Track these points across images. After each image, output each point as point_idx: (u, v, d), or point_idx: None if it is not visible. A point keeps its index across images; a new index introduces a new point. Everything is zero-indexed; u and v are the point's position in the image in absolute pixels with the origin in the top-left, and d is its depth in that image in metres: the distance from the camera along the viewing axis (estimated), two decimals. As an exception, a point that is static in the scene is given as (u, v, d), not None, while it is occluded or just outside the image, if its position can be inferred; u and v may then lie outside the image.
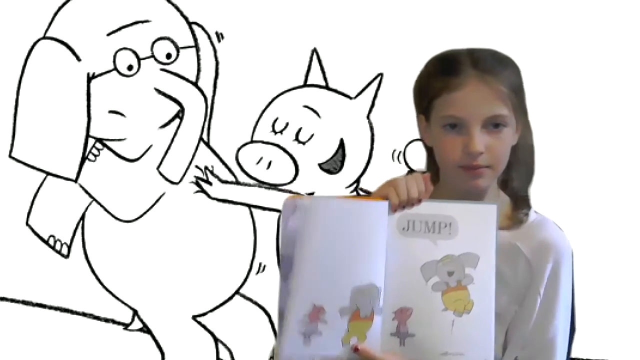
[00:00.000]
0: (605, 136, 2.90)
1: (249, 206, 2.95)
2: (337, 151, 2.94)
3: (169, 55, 2.89)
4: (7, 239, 2.91)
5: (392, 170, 2.91)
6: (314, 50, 2.92)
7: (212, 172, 2.93)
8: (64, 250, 2.93)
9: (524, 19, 2.86)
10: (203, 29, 2.92)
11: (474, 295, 1.59)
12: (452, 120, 1.63)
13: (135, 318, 2.95)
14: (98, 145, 2.91)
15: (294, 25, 2.90)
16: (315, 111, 2.94)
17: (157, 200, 2.92)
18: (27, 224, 2.91)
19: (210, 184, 2.93)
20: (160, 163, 2.90)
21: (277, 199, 2.93)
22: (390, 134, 2.92)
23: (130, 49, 2.87)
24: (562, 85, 2.86)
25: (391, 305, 1.60)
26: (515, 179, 1.72)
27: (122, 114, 2.89)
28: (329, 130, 2.94)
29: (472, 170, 1.64)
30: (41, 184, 2.91)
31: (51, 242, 2.92)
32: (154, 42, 2.89)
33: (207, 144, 2.93)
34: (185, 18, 2.91)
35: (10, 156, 2.89)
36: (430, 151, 1.74)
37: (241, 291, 2.96)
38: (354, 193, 2.95)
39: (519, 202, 1.72)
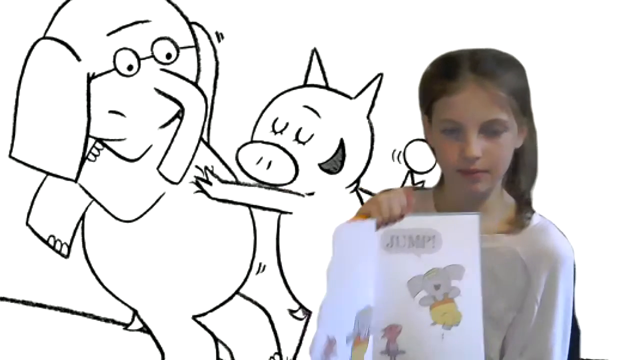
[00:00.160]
0: (607, 138, 2.90)
1: (249, 206, 2.95)
2: (337, 151, 2.94)
3: (169, 55, 2.89)
4: (7, 239, 2.90)
5: (392, 170, 2.93)
6: (314, 50, 2.92)
7: (212, 172, 2.93)
8: (64, 250, 2.92)
9: (523, 19, 2.86)
10: (203, 29, 2.91)
11: (462, 307, 1.58)
12: (450, 124, 1.62)
13: (135, 318, 2.94)
14: (98, 145, 2.90)
15: (294, 25, 2.90)
16: (315, 111, 2.93)
17: (157, 201, 2.92)
18: (27, 224, 2.91)
19: (210, 184, 2.93)
20: (160, 163, 2.90)
21: (277, 199, 2.93)
22: (390, 134, 2.92)
23: (130, 49, 2.87)
24: (562, 85, 2.86)
25: (380, 323, 1.58)
26: (522, 181, 1.70)
27: (122, 114, 2.89)
28: (329, 130, 2.93)
29: (469, 174, 1.62)
30: (41, 184, 2.90)
31: (51, 242, 2.92)
32: (154, 42, 2.89)
33: (207, 144, 2.93)
34: (185, 18, 2.91)
35: (10, 156, 2.89)
36: (435, 151, 1.73)
37: (241, 291, 2.95)
38: (354, 193, 2.95)
39: (523, 205, 1.71)
